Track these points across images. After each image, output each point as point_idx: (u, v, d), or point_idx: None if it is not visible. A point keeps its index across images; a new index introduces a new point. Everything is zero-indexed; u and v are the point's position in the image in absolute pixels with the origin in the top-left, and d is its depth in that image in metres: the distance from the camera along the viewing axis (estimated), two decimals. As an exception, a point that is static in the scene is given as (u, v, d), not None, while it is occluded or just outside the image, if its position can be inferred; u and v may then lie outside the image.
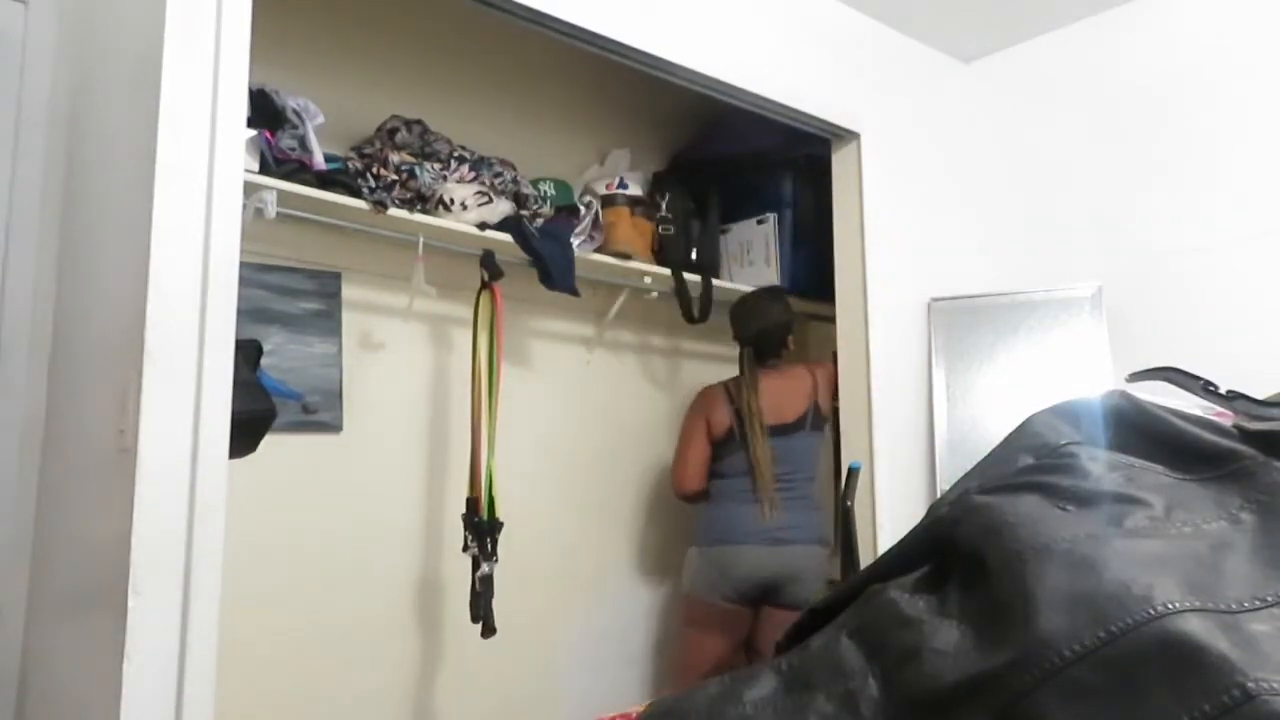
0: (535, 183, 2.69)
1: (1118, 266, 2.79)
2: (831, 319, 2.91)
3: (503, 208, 2.52)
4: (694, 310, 2.95)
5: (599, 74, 2.79)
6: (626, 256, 2.82)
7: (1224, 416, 0.80)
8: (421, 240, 2.36)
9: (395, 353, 2.58)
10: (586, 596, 2.95)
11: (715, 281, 3.01)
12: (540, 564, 2.82)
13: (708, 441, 2.79)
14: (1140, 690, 0.51)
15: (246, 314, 1.95)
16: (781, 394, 2.76)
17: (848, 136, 2.83)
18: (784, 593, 2.61)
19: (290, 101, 2.16)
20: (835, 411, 2.85)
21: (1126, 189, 2.83)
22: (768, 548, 2.63)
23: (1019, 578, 0.60)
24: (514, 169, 2.61)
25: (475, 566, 2.33)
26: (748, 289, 3.07)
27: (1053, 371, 2.74)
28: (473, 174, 2.49)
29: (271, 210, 2.04)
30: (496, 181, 2.53)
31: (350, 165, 2.32)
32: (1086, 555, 0.59)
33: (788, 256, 3.12)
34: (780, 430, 2.72)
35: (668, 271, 2.91)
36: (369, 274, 2.50)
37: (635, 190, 2.93)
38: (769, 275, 3.11)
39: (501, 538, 2.35)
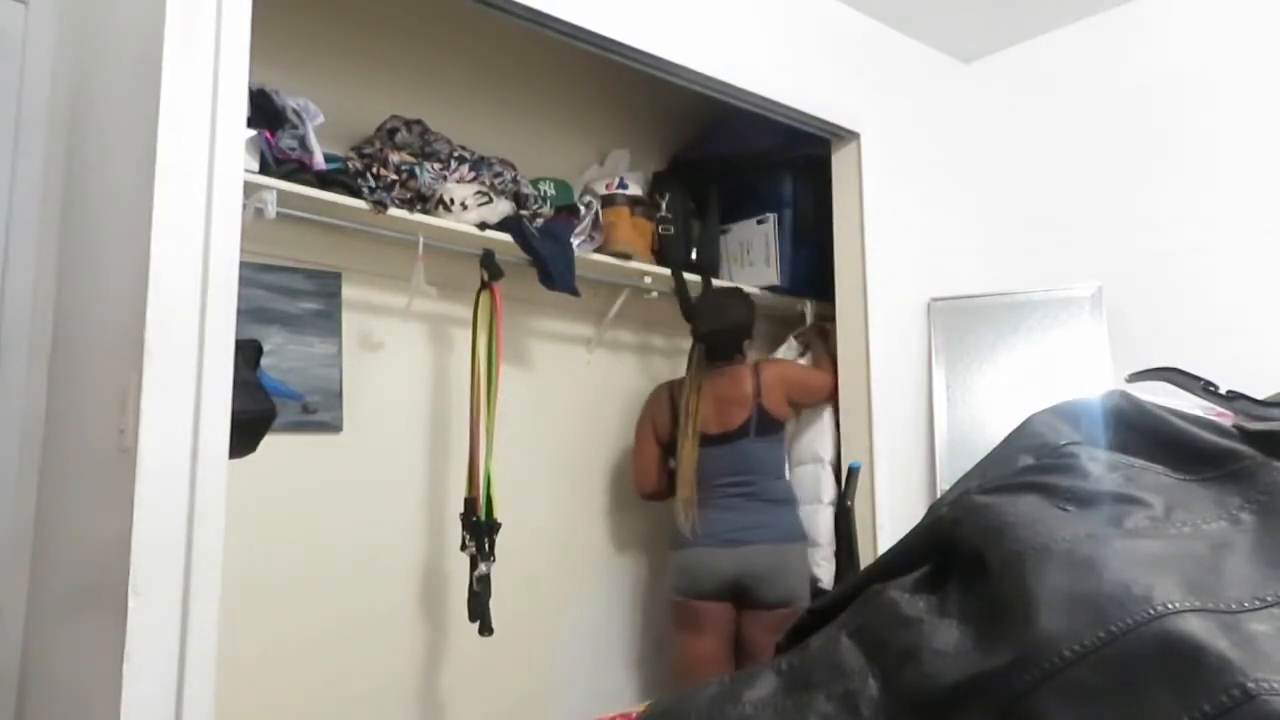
0: (535, 183, 2.69)
1: (1118, 266, 2.79)
2: (831, 319, 2.91)
3: (503, 208, 2.52)
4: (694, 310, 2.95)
5: (599, 74, 2.79)
6: (626, 256, 2.82)
7: (1224, 416, 0.80)
8: (422, 240, 2.36)
9: (395, 353, 2.57)
10: (586, 596, 2.95)
11: (715, 281, 3.01)
12: (539, 564, 2.82)
13: (656, 443, 2.79)
14: (1140, 690, 0.51)
15: (246, 314, 1.95)
16: (725, 400, 2.68)
17: (848, 136, 2.83)
18: (754, 592, 2.55)
19: (290, 101, 2.16)
20: (835, 407, 2.84)
21: (1126, 189, 2.83)
22: (724, 549, 2.57)
23: (1019, 578, 0.60)
24: (514, 169, 2.61)
25: (473, 566, 2.33)
26: (748, 289, 3.08)
27: (1053, 371, 2.74)
28: (473, 174, 2.49)
29: (271, 210, 2.04)
30: (496, 181, 2.53)
31: (350, 165, 2.32)
32: (1086, 555, 0.59)
33: (788, 256, 3.11)
34: (724, 438, 2.65)
35: (668, 271, 2.91)
36: (369, 274, 2.50)
37: (635, 190, 2.93)
38: (769, 275, 3.11)
39: (500, 537, 2.35)
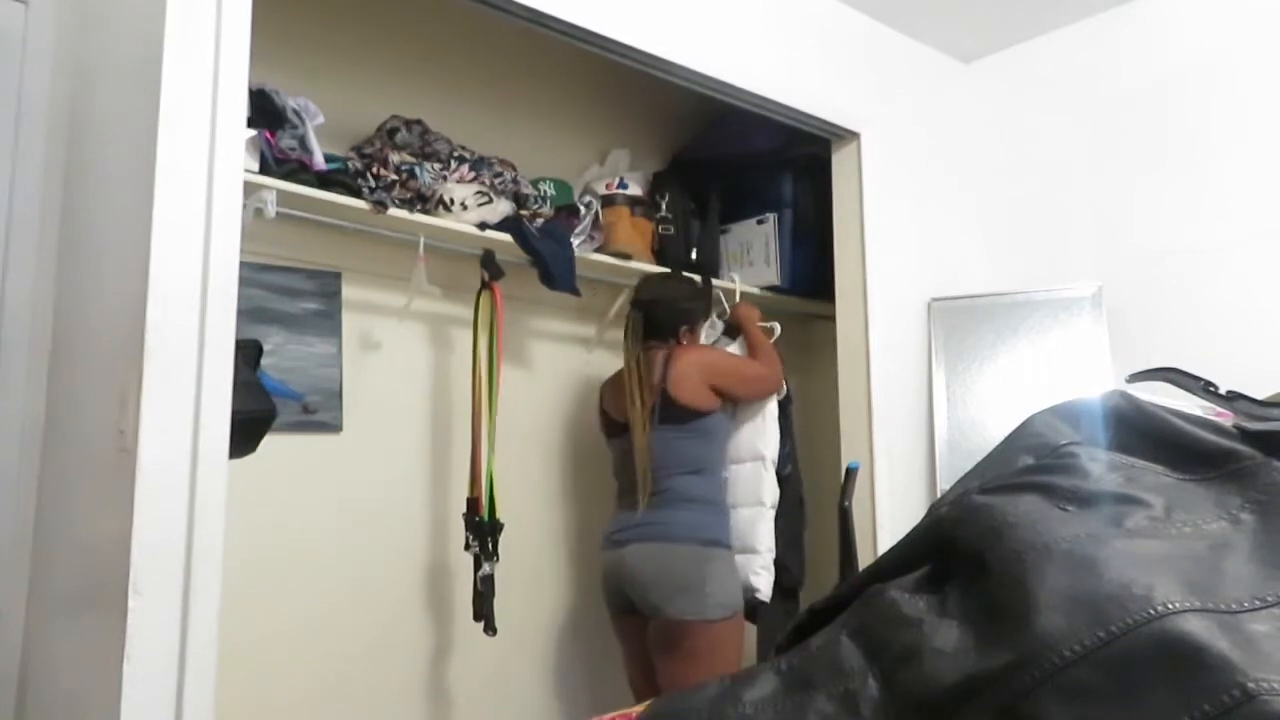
0: (535, 183, 2.69)
1: (1118, 266, 2.79)
2: (831, 319, 2.91)
3: (503, 208, 2.52)
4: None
5: (599, 74, 2.79)
6: (626, 256, 2.82)
7: (1224, 416, 0.80)
8: (423, 241, 2.36)
9: (395, 353, 2.58)
10: (588, 596, 2.95)
11: (715, 281, 3.01)
12: (542, 563, 2.82)
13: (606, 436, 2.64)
14: (1140, 690, 0.51)
15: (246, 314, 1.95)
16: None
17: (848, 136, 2.83)
18: (637, 600, 2.33)
19: (290, 101, 2.16)
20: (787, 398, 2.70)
21: (1126, 189, 2.83)
22: (610, 551, 2.41)
23: (1019, 578, 0.60)
24: (514, 169, 2.62)
25: (477, 566, 2.33)
26: (748, 289, 3.08)
27: (1053, 371, 2.74)
28: (473, 174, 2.49)
29: (271, 210, 2.05)
30: (496, 181, 2.53)
31: (350, 165, 2.32)
32: (1086, 555, 0.59)
33: (788, 256, 3.12)
34: (628, 426, 2.46)
35: (668, 271, 2.91)
36: (369, 274, 2.50)
37: (635, 190, 2.93)
38: (769, 275, 3.11)
39: (503, 537, 2.36)
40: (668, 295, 2.57)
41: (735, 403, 2.56)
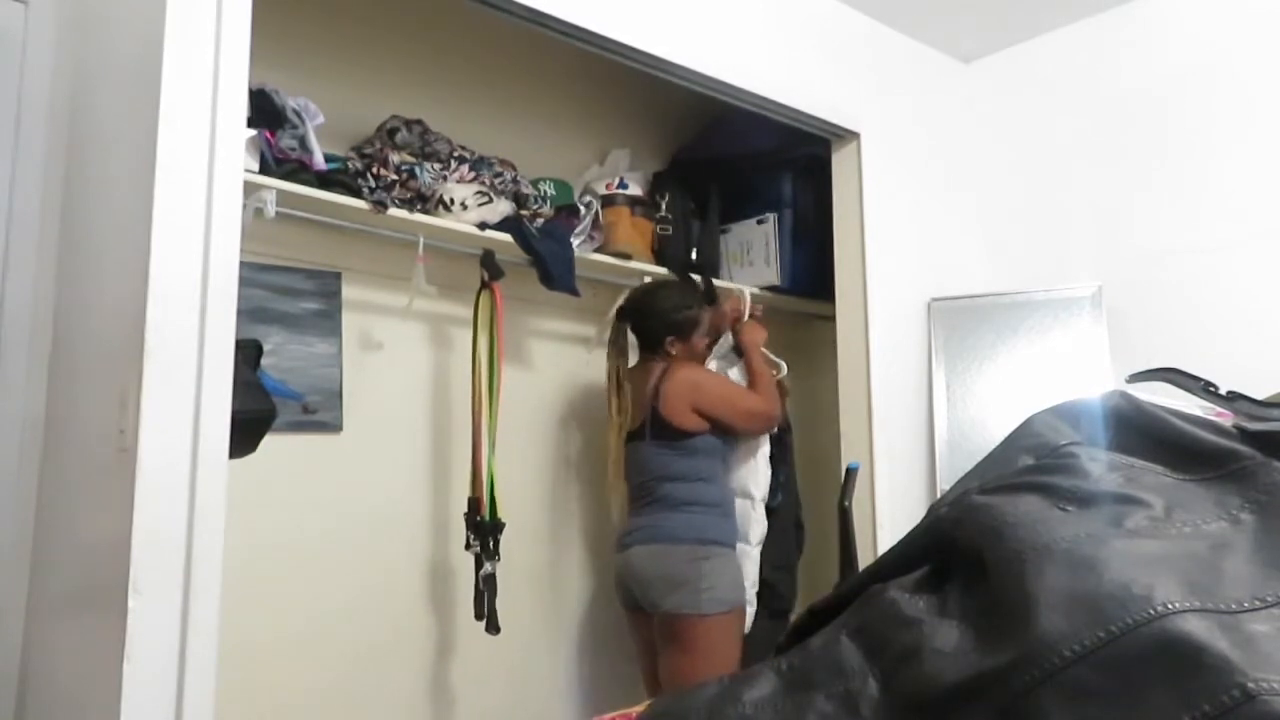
0: (535, 183, 2.69)
1: (1118, 266, 2.79)
2: (831, 319, 2.91)
3: (503, 208, 2.52)
4: (694, 310, 2.93)
5: (599, 74, 2.79)
6: (626, 256, 2.82)
7: (1224, 417, 0.80)
8: (422, 240, 2.36)
9: (395, 353, 2.57)
10: (590, 593, 2.95)
11: (715, 281, 3.01)
12: (543, 562, 2.82)
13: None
14: (1140, 690, 0.51)
15: (246, 314, 1.95)
16: (636, 396, 2.51)
17: (848, 136, 2.83)
18: (641, 599, 2.39)
19: (290, 101, 2.16)
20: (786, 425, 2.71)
21: (1126, 189, 2.83)
22: (619, 554, 2.48)
23: (1019, 578, 0.60)
24: (514, 169, 2.61)
25: (478, 566, 2.34)
26: (747, 289, 3.07)
27: (1053, 371, 2.74)
28: (473, 174, 2.49)
29: (271, 210, 2.04)
30: (496, 181, 2.53)
31: (350, 165, 2.32)
32: (1086, 555, 0.59)
33: (787, 256, 3.11)
34: (630, 437, 2.51)
35: (667, 271, 2.91)
36: (369, 274, 2.50)
37: (635, 190, 2.93)
38: (769, 275, 3.11)
39: (504, 537, 2.36)
40: (653, 307, 2.55)
41: (726, 432, 2.50)
